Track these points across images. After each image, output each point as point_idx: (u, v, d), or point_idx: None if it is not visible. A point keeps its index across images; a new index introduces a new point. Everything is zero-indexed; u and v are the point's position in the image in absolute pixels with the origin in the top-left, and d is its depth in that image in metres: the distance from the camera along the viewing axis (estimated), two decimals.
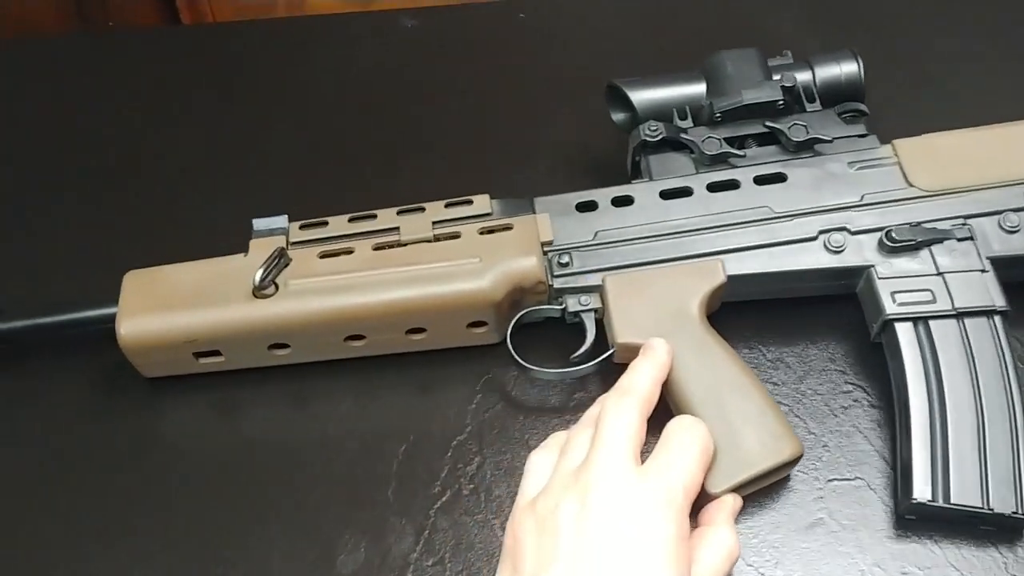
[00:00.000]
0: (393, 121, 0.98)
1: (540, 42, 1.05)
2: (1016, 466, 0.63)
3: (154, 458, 0.74)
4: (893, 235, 0.70)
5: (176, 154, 0.96)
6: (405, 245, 0.74)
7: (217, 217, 0.86)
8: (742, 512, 0.65)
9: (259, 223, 0.77)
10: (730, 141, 0.77)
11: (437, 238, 0.74)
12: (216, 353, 0.74)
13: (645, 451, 0.60)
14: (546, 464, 0.61)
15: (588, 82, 0.86)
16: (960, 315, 0.68)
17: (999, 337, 0.68)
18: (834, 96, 0.79)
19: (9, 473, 0.74)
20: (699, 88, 0.79)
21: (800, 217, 0.73)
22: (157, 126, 1.00)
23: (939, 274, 0.70)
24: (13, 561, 0.69)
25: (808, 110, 0.78)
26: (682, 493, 0.57)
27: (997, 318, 0.68)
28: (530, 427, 0.73)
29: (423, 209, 0.76)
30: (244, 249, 0.75)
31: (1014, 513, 0.61)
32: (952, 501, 0.62)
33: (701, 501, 0.64)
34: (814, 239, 0.72)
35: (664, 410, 0.66)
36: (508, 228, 0.74)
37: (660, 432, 0.61)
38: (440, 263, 0.72)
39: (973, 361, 0.67)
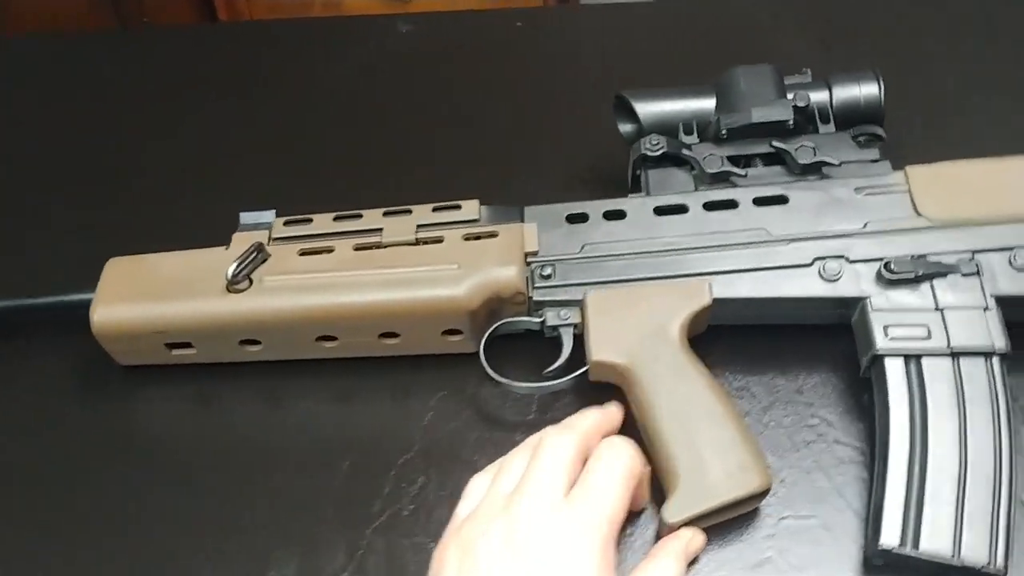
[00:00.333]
0: (389, 125, 0.97)
1: (537, 51, 1.04)
2: (994, 518, 0.60)
3: (119, 444, 0.74)
4: (892, 266, 0.67)
5: (178, 150, 0.97)
6: (386, 247, 0.72)
7: (216, 211, 0.84)
8: None
9: (246, 217, 0.76)
10: (735, 159, 0.74)
11: (419, 241, 0.72)
12: (188, 345, 0.73)
13: None
14: (482, 488, 0.60)
15: (585, 92, 0.85)
16: (955, 355, 0.65)
17: (995, 380, 0.64)
18: (851, 118, 0.75)
19: None
20: (708, 103, 0.77)
21: (797, 242, 0.70)
22: (161, 122, 1.00)
23: (938, 310, 0.66)
24: None
25: (821, 131, 0.75)
26: (606, 523, 0.55)
27: (996, 360, 0.64)
28: (482, 447, 0.71)
29: (410, 211, 0.74)
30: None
31: (985, 567, 0.58)
32: (921, 548, 0.59)
33: (663, 532, 0.62)
34: (809, 266, 0.69)
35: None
36: (493, 235, 0.72)
37: None
38: (417, 267, 0.70)
39: (963, 404, 0.63)
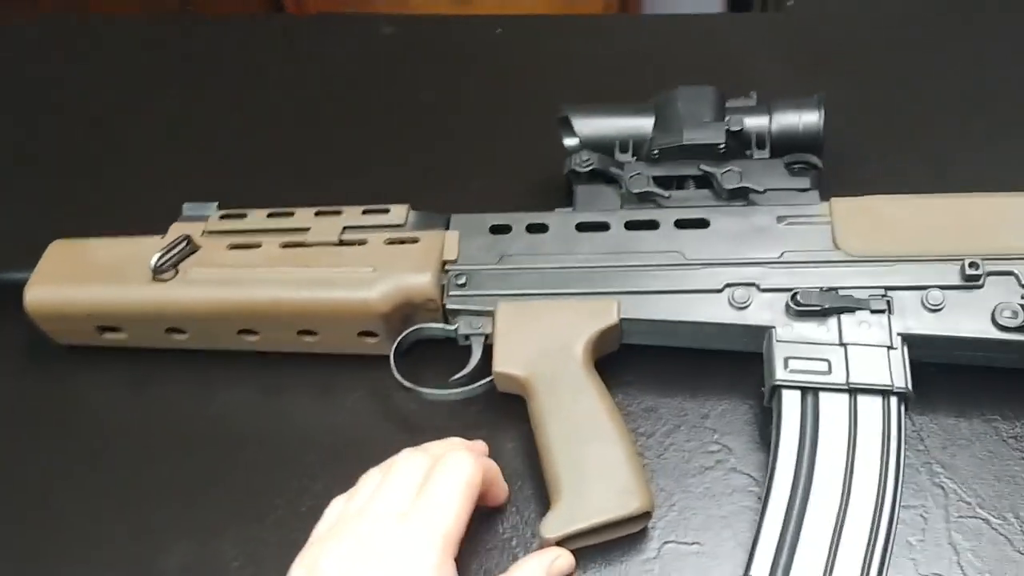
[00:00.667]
0: (356, 125, 0.98)
1: (513, 59, 1.05)
2: (867, 559, 0.59)
3: (48, 419, 0.77)
4: (798, 298, 0.66)
5: (144, 139, 1.00)
6: (310, 246, 0.74)
7: (177, 199, 0.87)
8: None
9: (188, 207, 0.78)
10: (666, 180, 0.74)
11: (343, 243, 0.74)
12: (119, 329, 0.75)
13: None
14: (337, 509, 0.62)
15: (553, 104, 0.84)
16: (853, 391, 0.64)
17: (890, 420, 0.63)
18: (789, 145, 0.75)
19: None
20: (647, 123, 0.77)
21: (711, 267, 0.70)
22: (130, 111, 1.03)
23: (842, 344, 0.66)
24: None
25: (755, 157, 0.74)
26: (440, 538, 0.56)
27: (894, 399, 0.64)
28: (389, 450, 0.69)
29: (340, 212, 0.76)
30: None
31: None
32: None
33: (543, 546, 0.63)
34: (719, 292, 0.69)
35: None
36: (414, 241, 0.73)
37: None
38: (335, 268, 0.72)
39: (854, 442, 0.63)
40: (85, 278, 0.74)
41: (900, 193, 0.72)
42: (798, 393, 0.65)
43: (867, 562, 0.59)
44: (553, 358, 0.68)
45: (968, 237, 0.68)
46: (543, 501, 0.65)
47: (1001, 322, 0.65)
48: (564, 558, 0.61)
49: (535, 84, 1.00)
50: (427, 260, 0.72)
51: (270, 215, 0.76)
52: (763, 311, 0.68)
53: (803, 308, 0.66)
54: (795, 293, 0.67)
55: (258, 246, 0.74)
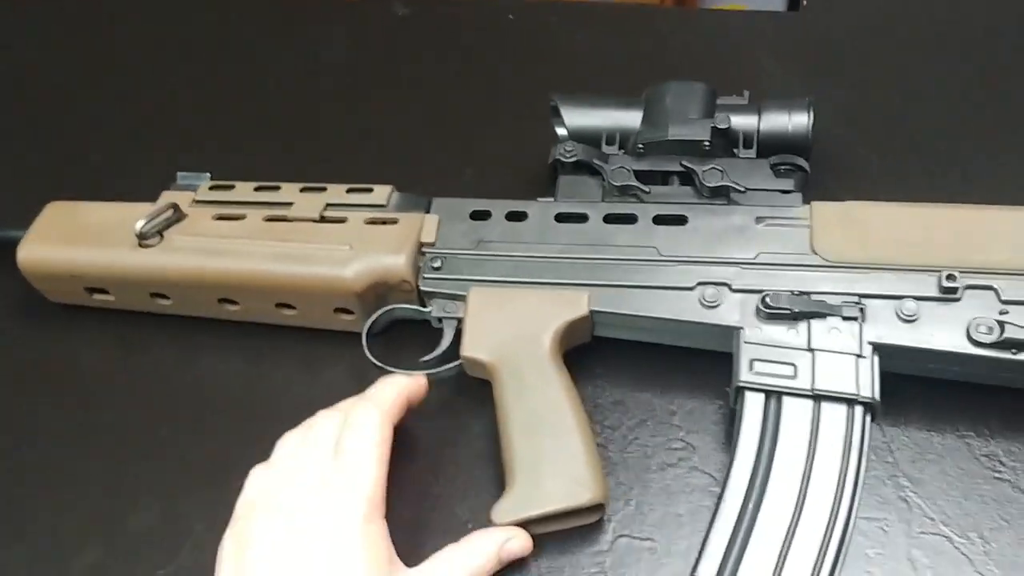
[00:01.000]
0: (361, 105, 0.99)
1: (522, 46, 1.04)
2: (817, 567, 0.59)
3: (35, 374, 0.79)
4: (768, 301, 0.66)
5: (152, 105, 1.01)
6: (291, 221, 0.74)
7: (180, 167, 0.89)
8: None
9: (183, 177, 0.80)
10: (649, 175, 0.74)
11: (323, 219, 0.74)
12: (106, 291, 0.77)
13: None
14: (260, 476, 0.63)
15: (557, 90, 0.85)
16: (817, 397, 0.64)
17: (853, 429, 0.63)
18: (777, 146, 0.74)
19: None
20: (635, 116, 0.76)
21: (684, 265, 0.69)
22: (144, 74, 1.05)
23: (810, 350, 0.65)
24: None
25: (741, 155, 0.74)
26: (364, 501, 0.58)
27: (859, 409, 0.63)
28: None
29: (324, 189, 0.76)
30: None
31: None
32: None
33: None
34: (691, 289, 0.68)
35: None
36: (394, 222, 0.74)
37: None
38: (313, 244, 0.72)
39: (814, 449, 0.63)
40: (74, 240, 0.75)
41: (899, 198, 0.71)
42: (761, 396, 0.64)
43: (816, 572, 0.59)
44: (520, 346, 0.68)
45: (949, 249, 0.67)
46: (502, 487, 0.65)
47: (976, 337, 0.64)
48: (518, 540, 0.62)
49: (541, 72, 0.99)
50: (404, 242, 0.72)
51: (257, 188, 0.77)
52: (733, 311, 0.67)
53: (773, 311, 0.66)
54: (765, 295, 0.66)
55: (242, 218, 0.75)
